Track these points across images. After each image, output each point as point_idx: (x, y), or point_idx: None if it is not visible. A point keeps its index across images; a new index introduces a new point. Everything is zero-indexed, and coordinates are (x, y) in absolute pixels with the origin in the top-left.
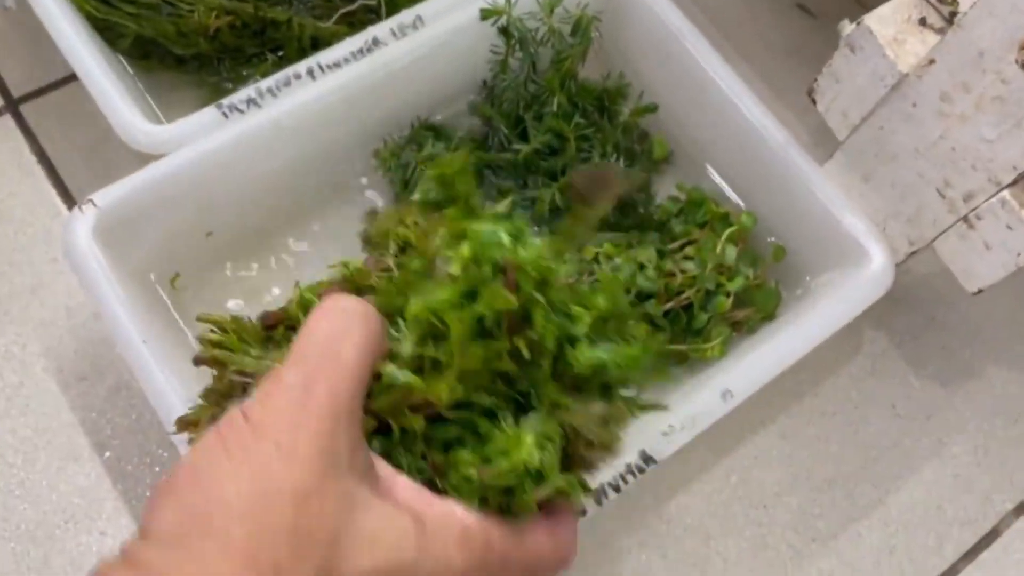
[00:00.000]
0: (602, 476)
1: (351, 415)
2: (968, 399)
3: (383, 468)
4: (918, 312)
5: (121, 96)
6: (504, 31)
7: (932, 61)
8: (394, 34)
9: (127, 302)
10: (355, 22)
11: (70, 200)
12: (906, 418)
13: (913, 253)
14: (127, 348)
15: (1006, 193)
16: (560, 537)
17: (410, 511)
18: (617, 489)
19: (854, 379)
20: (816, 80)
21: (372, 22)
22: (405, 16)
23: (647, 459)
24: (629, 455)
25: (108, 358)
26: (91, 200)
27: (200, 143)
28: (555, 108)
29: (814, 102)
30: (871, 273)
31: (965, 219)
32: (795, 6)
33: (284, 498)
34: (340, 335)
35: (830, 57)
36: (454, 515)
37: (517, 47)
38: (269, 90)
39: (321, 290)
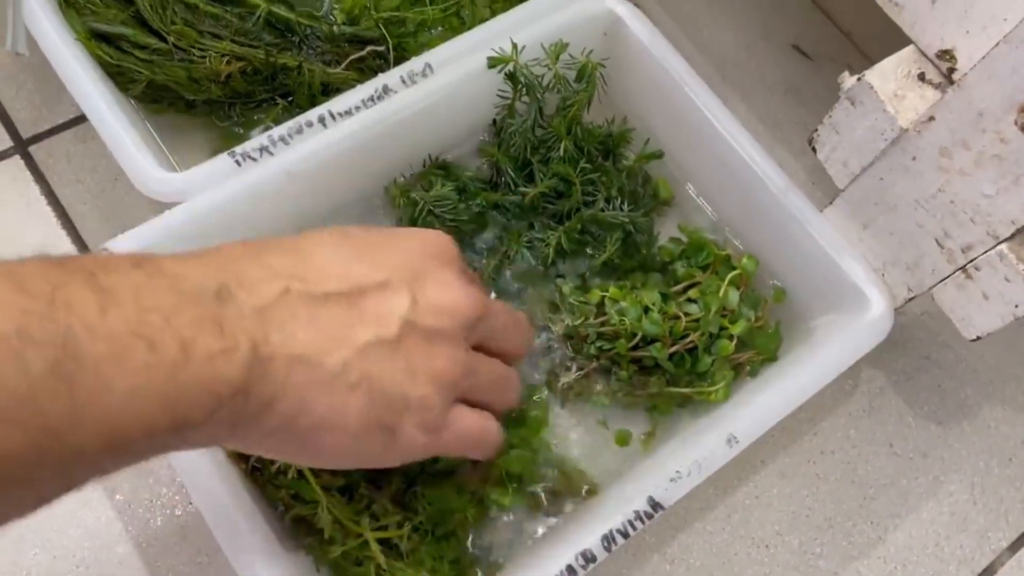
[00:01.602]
0: (611, 522)
1: None
2: (963, 438)
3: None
4: (914, 352)
5: (135, 143)
6: (511, 77)
7: (932, 118)
8: (404, 82)
9: None
10: (364, 68)
11: (80, 242)
12: (903, 457)
13: (911, 299)
14: None
15: (1004, 247)
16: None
17: None
18: (626, 535)
19: (852, 418)
20: (816, 130)
21: (381, 67)
22: (415, 64)
23: (655, 505)
24: (637, 502)
25: None
26: (105, 248)
27: (213, 192)
28: (561, 153)
29: (814, 150)
30: (871, 319)
31: (963, 269)
32: (792, 48)
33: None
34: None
35: (827, 98)
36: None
37: (524, 92)
38: (281, 138)
39: None
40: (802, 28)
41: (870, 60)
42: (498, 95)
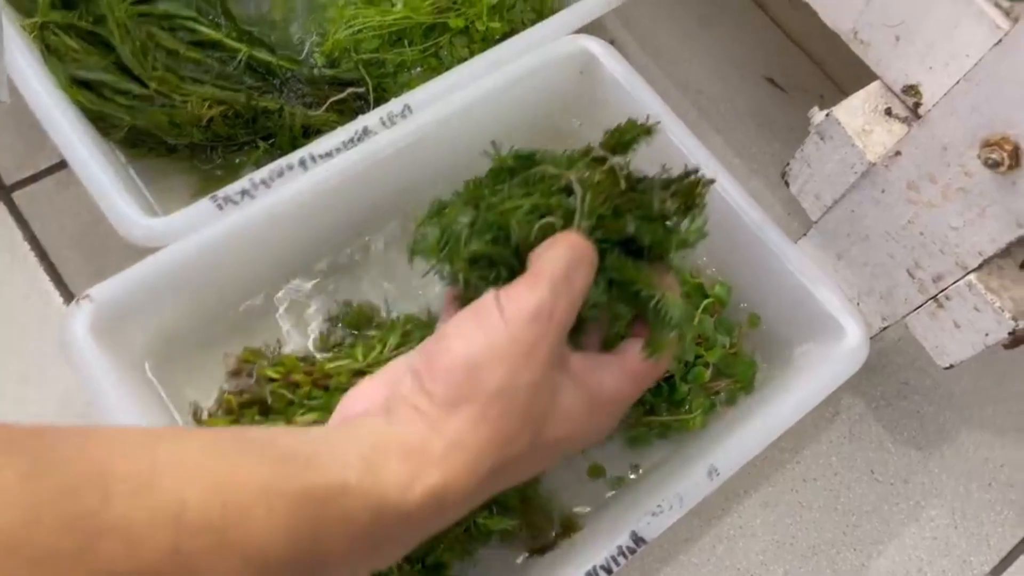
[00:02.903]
0: (595, 558)
1: (569, 326)
2: (943, 463)
3: (567, 352)
4: (892, 377)
5: (117, 189)
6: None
7: (899, 152)
8: (384, 123)
9: (124, 399)
10: (344, 109)
11: (63, 287)
12: (884, 483)
13: (886, 328)
14: None
15: (973, 277)
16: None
17: (582, 385)
18: (610, 571)
19: (833, 445)
20: (788, 164)
21: (361, 108)
22: (394, 105)
23: (638, 540)
24: (620, 537)
25: None
26: (88, 295)
27: (195, 236)
28: None
29: (787, 184)
30: (847, 348)
31: (935, 299)
32: (765, 80)
33: (523, 387)
34: (575, 265)
35: (800, 129)
36: (604, 385)
37: None
38: (263, 181)
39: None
40: (775, 60)
41: (842, 90)
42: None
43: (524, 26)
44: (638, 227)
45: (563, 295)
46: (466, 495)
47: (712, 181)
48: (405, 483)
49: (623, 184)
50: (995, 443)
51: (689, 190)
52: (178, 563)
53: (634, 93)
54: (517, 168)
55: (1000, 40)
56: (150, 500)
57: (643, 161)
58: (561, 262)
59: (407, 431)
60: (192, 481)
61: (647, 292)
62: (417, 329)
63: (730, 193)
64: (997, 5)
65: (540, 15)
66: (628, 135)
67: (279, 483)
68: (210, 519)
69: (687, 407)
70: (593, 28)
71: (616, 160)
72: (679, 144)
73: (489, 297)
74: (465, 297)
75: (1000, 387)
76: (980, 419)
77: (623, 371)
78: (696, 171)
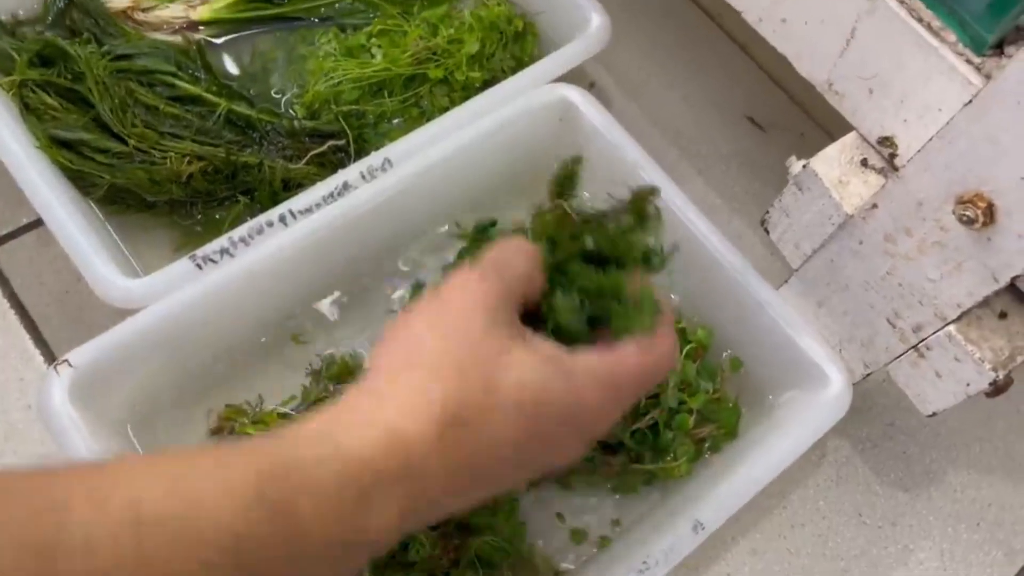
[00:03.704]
0: None
1: (509, 301)
2: (931, 504)
3: (531, 336)
4: (878, 419)
5: (95, 250)
6: None
7: (875, 205)
8: (363, 177)
9: None
10: (325, 162)
11: (44, 345)
12: (872, 526)
13: (868, 375)
14: None
15: (952, 328)
16: (665, 346)
17: (554, 362)
18: None
19: (820, 489)
20: (768, 212)
21: (342, 160)
22: (374, 159)
23: None
24: None
25: None
26: (66, 360)
27: (175, 297)
28: None
29: (767, 231)
30: (830, 396)
31: (916, 348)
32: (746, 119)
33: (461, 343)
34: (513, 252)
35: (781, 169)
36: (591, 364)
37: None
38: (242, 239)
39: None
40: (756, 100)
41: (824, 129)
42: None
43: (504, 74)
44: (596, 240)
45: (493, 271)
46: (430, 443)
47: (656, 189)
48: (359, 432)
49: (575, 217)
50: (982, 482)
51: (638, 202)
52: (142, 560)
53: (613, 140)
54: (479, 238)
55: (971, 100)
56: (107, 508)
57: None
58: (495, 250)
59: (357, 402)
60: (148, 482)
61: (615, 290)
62: None
63: (711, 240)
64: (969, 62)
65: (520, 63)
66: (565, 173)
67: (235, 468)
68: (169, 509)
69: (672, 455)
70: (573, 71)
71: (563, 202)
72: (663, 195)
73: (430, 290)
74: None
75: (986, 426)
76: (967, 459)
77: (605, 354)
78: (649, 189)
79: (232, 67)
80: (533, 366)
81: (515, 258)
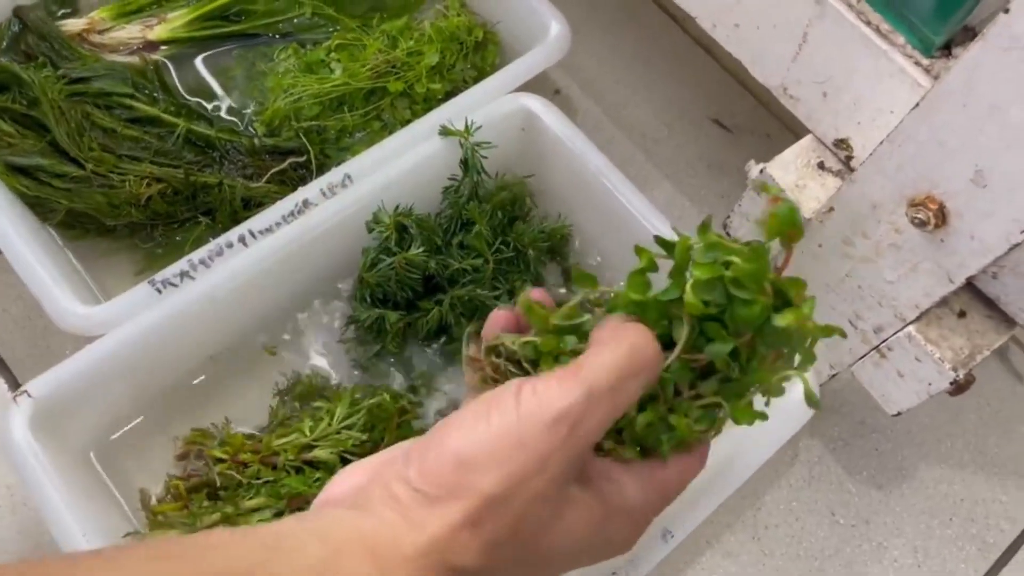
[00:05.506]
0: None
1: (598, 439)
2: (903, 501)
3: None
4: (849, 417)
5: (53, 279)
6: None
7: (832, 209)
8: (324, 194)
9: (67, 495)
10: (286, 179)
11: (7, 371)
12: (846, 525)
13: (834, 376)
14: (68, 545)
15: (912, 328)
16: (694, 460)
17: (597, 495)
18: None
19: (793, 489)
20: (729, 216)
21: (303, 178)
22: (334, 175)
23: None
24: None
25: (51, 537)
26: (26, 391)
27: (134, 322)
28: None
29: (728, 235)
30: (797, 399)
31: (878, 349)
32: (711, 121)
33: (521, 498)
34: (630, 374)
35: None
36: (625, 495)
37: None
38: (202, 261)
39: None
40: (721, 101)
41: (789, 129)
42: (449, 179)
43: (466, 84)
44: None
45: (601, 406)
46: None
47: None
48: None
49: None
50: (954, 477)
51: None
52: None
53: (575, 148)
54: None
55: (918, 103)
56: None
57: (587, 221)
58: (612, 366)
59: (378, 524)
60: None
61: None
62: (367, 398)
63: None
64: (918, 64)
65: (482, 73)
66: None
67: None
68: None
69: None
70: (538, 79)
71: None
72: (621, 198)
73: (511, 385)
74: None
75: (956, 422)
76: (938, 454)
77: (651, 480)
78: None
79: (191, 86)
80: (581, 516)
81: (634, 381)
